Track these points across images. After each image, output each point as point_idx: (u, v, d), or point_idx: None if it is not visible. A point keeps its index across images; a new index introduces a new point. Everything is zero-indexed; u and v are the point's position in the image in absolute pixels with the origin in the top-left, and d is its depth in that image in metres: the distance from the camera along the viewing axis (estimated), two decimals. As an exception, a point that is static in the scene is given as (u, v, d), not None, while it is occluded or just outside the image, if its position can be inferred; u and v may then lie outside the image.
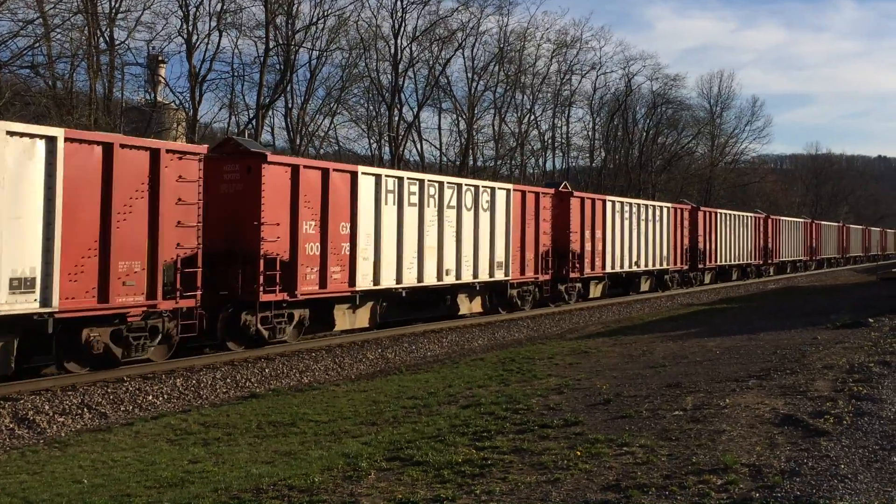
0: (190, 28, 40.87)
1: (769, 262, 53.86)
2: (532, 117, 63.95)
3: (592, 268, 30.98)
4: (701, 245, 41.64)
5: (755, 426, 9.26)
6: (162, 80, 42.81)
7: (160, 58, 42.19)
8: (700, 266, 41.74)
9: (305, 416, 11.99)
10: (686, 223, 40.09)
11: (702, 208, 43.28)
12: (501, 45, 59.38)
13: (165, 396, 14.02)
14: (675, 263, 38.70)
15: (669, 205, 39.14)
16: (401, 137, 52.77)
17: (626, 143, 74.32)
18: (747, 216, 50.18)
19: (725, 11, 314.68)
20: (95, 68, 34.36)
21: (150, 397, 13.83)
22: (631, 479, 7.50)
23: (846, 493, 6.85)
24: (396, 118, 52.96)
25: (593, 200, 31.40)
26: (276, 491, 7.67)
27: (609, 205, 32.42)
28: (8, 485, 8.81)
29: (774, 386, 11.60)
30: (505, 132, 61.26)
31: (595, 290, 32.20)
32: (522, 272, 26.45)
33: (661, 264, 36.99)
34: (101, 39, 35.94)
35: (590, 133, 71.66)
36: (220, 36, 42.80)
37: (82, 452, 10.37)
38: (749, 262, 49.83)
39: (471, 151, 57.93)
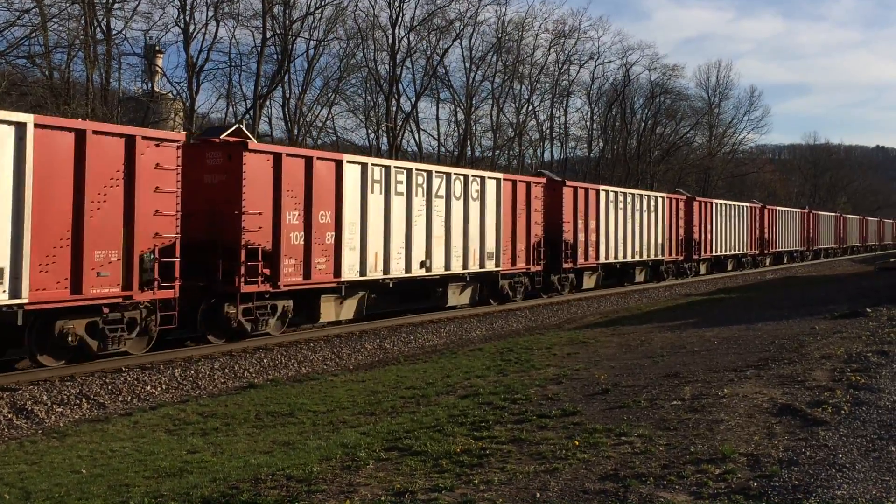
0: (187, 18, 40.84)
1: (766, 252, 53.77)
2: (530, 107, 63.97)
3: (586, 258, 30.71)
4: (696, 235, 41.55)
5: (753, 416, 9.26)
6: (159, 71, 42.73)
7: (157, 48, 42.11)
8: (695, 256, 41.71)
9: (304, 407, 11.99)
10: (681, 213, 39.90)
11: (697, 198, 43.10)
12: (499, 35, 59.34)
13: (164, 387, 14.02)
14: (671, 254, 38.55)
15: (664, 195, 38.97)
16: (399, 128, 52.71)
17: (624, 134, 74.32)
18: (743, 206, 50.07)
19: (723, 1, 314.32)
20: (92, 58, 34.26)
21: (149, 388, 13.83)
22: (629, 468, 7.51)
23: (844, 482, 6.85)
24: (394, 108, 52.92)
25: (586, 190, 31.12)
26: (274, 481, 7.67)
27: (603, 194, 32.16)
28: (6, 475, 8.81)
29: (772, 376, 11.60)
30: (503, 122, 61.27)
31: (589, 281, 31.95)
32: (514, 263, 26.08)
33: (656, 255, 36.81)
34: (98, 29, 35.86)
35: (588, 123, 71.72)
36: (218, 25, 42.83)
37: (81, 443, 10.37)
38: (745, 252, 49.75)
39: (469, 142, 57.91)
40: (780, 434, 8.46)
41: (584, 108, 73.71)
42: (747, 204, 51.68)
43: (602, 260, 32.01)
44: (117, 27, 36.93)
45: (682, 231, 39.89)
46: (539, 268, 27.55)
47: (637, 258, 35.13)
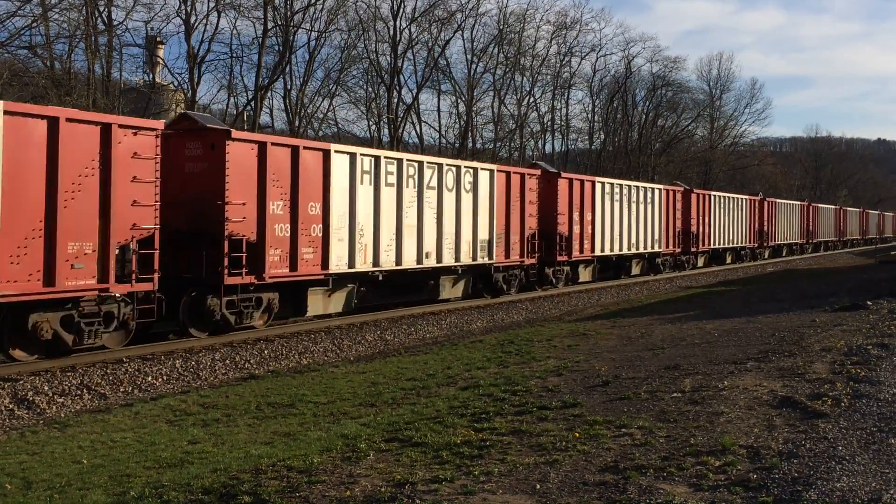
0: (188, 9, 40.77)
1: (765, 245, 53.63)
2: (531, 99, 63.92)
3: (581, 251, 30.41)
4: (694, 228, 41.25)
5: (753, 408, 9.28)
6: (160, 61, 42.70)
7: (158, 38, 42.08)
8: (693, 249, 41.45)
9: (304, 398, 12.01)
10: (679, 205, 39.66)
11: (695, 190, 42.78)
12: (501, 27, 59.24)
13: (165, 378, 14.04)
14: (668, 246, 38.33)
15: (661, 186, 38.79)
16: (400, 119, 52.65)
17: (625, 126, 74.28)
18: (742, 198, 49.91)
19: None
20: (93, 49, 34.25)
21: (150, 378, 13.85)
22: (629, 460, 7.52)
23: (843, 474, 6.86)
24: (395, 100, 52.88)
25: (582, 182, 30.79)
26: (274, 471, 7.68)
27: (599, 186, 31.80)
28: (7, 465, 8.83)
29: (773, 368, 11.61)
30: (504, 114, 61.22)
31: (584, 274, 31.67)
32: (507, 255, 25.71)
33: (652, 247, 36.59)
34: (100, 20, 35.86)
35: (589, 115, 71.69)
36: (219, 17, 42.75)
37: (82, 433, 10.39)
38: (744, 245, 49.57)
39: (470, 134, 57.86)
40: (780, 426, 8.47)
41: (585, 100, 73.77)
42: (747, 196, 51.49)
43: (598, 252, 31.71)
44: (119, 18, 37.16)
45: (679, 223, 39.67)
46: (533, 260, 27.27)
47: (633, 251, 34.90)
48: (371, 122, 54.77)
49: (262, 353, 16.19)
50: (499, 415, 9.70)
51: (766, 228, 53.25)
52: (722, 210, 45.38)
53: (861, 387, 10.03)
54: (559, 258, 28.94)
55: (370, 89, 54.33)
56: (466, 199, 23.62)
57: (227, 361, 15.35)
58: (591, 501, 6.57)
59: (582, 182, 30.76)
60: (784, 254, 58.65)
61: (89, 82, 33.55)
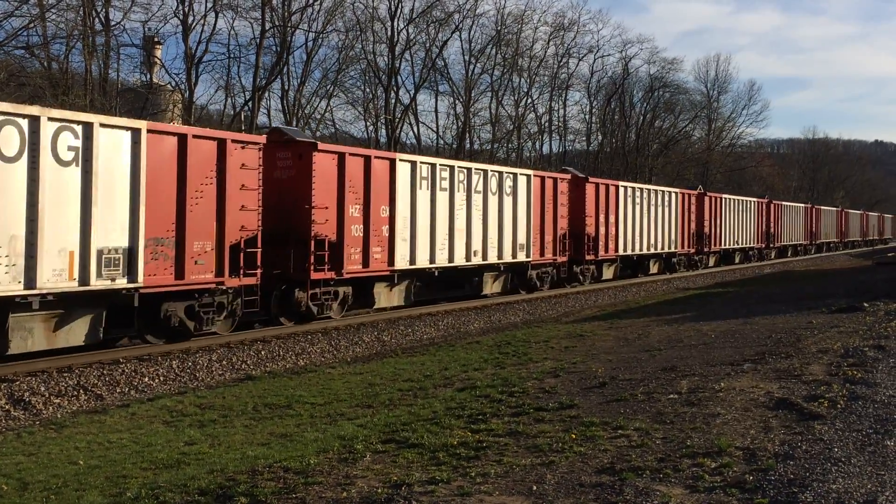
0: (186, 9, 40.71)
1: (771, 245, 54.74)
2: (529, 100, 63.90)
3: (606, 250, 32.37)
4: (707, 229, 42.78)
5: (750, 410, 9.28)
6: (158, 62, 42.60)
7: (156, 39, 42.00)
8: (706, 249, 42.90)
9: (301, 399, 12.01)
10: (693, 208, 41.30)
11: (708, 193, 44.25)
12: (499, 28, 59.22)
13: (161, 378, 14.03)
14: (683, 247, 40.05)
15: (677, 190, 40.34)
16: (397, 120, 52.63)
17: (622, 127, 74.29)
18: (751, 201, 51.33)
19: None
20: (91, 49, 34.19)
21: (146, 379, 13.84)
22: (626, 461, 7.53)
23: (839, 476, 6.87)
24: (393, 101, 52.84)
25: (607, 186, 32.75)
26: (271, 473, 7.68)
27: (622, 190, 33.78)
28: (4, 466, 8.82)
29: (769, 370, 11.62)
30: (502, 115, 61.18)
31: (608, 272, 33.50)
32: (542, 254, 27.73)
33: (669, 247, 38.46)
34: (97, 20, 35.78)
35: (587, 116, 71.65)
36: (217, 17, 42.67)
37: (78, 434, 10.38)
38: (752, 245, 50.89)
39: (467, 134, 57.85)
40: (777, 428, 8.48)
41: (582, 101, 73.56)
42: (755, 199, 52.89)
43: (620, 252, 33.63)
44: (116, 18, 36.88)
45: (693, 225, 41.40)
46: (564, 259, 29.37)
47: (652, 251, 36.73)
48: (368, 123, 54.80)
49: (259, 353, 16.19)
50: (495, 416, 9.70)
51: (772, 230, 54.46)
52: (732, 212, 46.74)
53: (857, 388, 10.04)
54: (587, 257, 31.10)
55: (368, 90, 54.36)
56: (507, 201, 25.60)
57: (224, 362, 15.34)
58: (588, 503, 6.57)
59: (607, 186, 32.81)
60: (789, 254, 59.68)
61: (86, 82, 33.50)
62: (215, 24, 43.20)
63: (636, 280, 35.16)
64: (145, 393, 13.23)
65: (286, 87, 47.56)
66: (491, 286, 25.70)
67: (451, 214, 22.94)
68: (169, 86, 42.57)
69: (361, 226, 19.84)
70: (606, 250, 32.41)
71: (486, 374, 13.30)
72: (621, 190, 33.74)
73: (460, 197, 23.31)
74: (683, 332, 17.46)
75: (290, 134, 19.60)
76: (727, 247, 46.43)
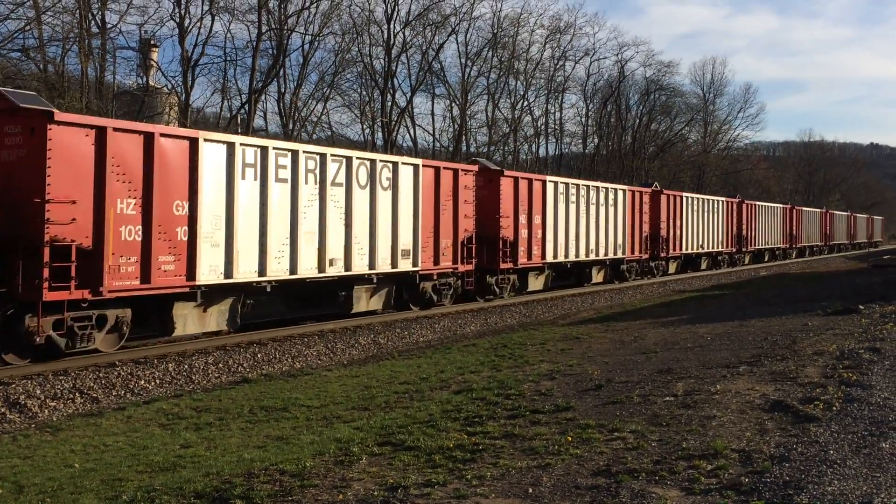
0: (182, 12, 40.68)
1: (744, 250, 51.37)
2: (525, 103, 63.96)
3: (529, 257, 27.71)
4: (664, 232, 38.98)
5: (745, 412, 9.30)
6: (154, 65, 42.58)
7: (152, 42, 41.96)
8: (663, 255, 39.24)
9: (297, 401, 12.01)
10: (646, 208, 37.36)
11: (665, 191, 40.17)
12: (495, 31, 59.28)
13: (157, 381, 14.02)
14: (633, 252, 36.05)
15: (626, 187, 36.52)
16: (394, 123, 52.65)
17: (619, 130, 74.39)
18: (719, 200, 47.47)
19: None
20: (87, 52, 34.19)
21: (142, 382, 13.83)
22: (621, 464, 7.54)
23: (835, 478, 6.88)
24: (389, 103, 52.85)
25: (530, 181, 28.06)
26: (267, 475, 7.68)
27: (550, 186, 29.15)
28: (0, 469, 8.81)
29: (765, 372, 11.64)
30: (498, 118, 61.26)
31: (535, 283, 29.01)
32: (436, 262, 23.12)
33: (615, 253, 34.17)
34: (93, 23, 35.78)
35: (583, 119, 71.74)
36: (213, 20, 42.63)
37: (74, 437, 10.37)
38: (720, 249, 47.17)
39: (464, 137, 57.92)
40: (772, 430, 8.49)
41: (579, 104, 73.93)
42: (723, 198, 48.85)
43: (549, 259, 28.99)
44: (112, 21, 36.88)
45: (647, 227, 37.44)
46: (469, 267, 24.64)
47: (593, 257, 32.31)
48: (365, 126, 54.82)
49: (256, 356, 16.18)
50: (492, 418, 9.71)
51: (745, 232, 50.84)
52: (696, 213, 42.96)
53: (853, 391, 10.06)
54: (503, 265, 26.27)
55: (364, 93, 54.36)
56: (384, 197, 21.13)
57: (220, 365, 15.33)
58: (584, 505, 6.58)
59: (530, 181, 28.06)
60: (766, 259, 56.54)
61: (82, 85, 33.50)
62: (212, 27, 43.15)
63: (580, 290, 31.35)
64: (141, 396, 13.22)
65: (282, 90, 47.61)
66: (366, 302, 21.20)
67: (293, 213, 18.32)
68: (165, 89, 42.53)
69: (140, 227, 15.08)
70: (530, 257, 27.59)
71: (482, 376, 13.31)
72: (549, 186, 28.87)
73: (309, 190, 18.77)
74: (679, 334, 17.48)
75: (13, 99, 13.98)
76: (690, 251, 42.29)
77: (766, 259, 56.74)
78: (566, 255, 30.23)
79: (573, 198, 30.62)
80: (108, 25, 36.59)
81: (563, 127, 69.46)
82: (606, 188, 33.95)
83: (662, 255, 39.27)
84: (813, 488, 6.63)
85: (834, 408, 9.25)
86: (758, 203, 55.97)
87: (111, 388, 13.32)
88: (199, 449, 9.37)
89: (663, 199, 39.17)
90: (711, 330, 17.74)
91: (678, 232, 40.79)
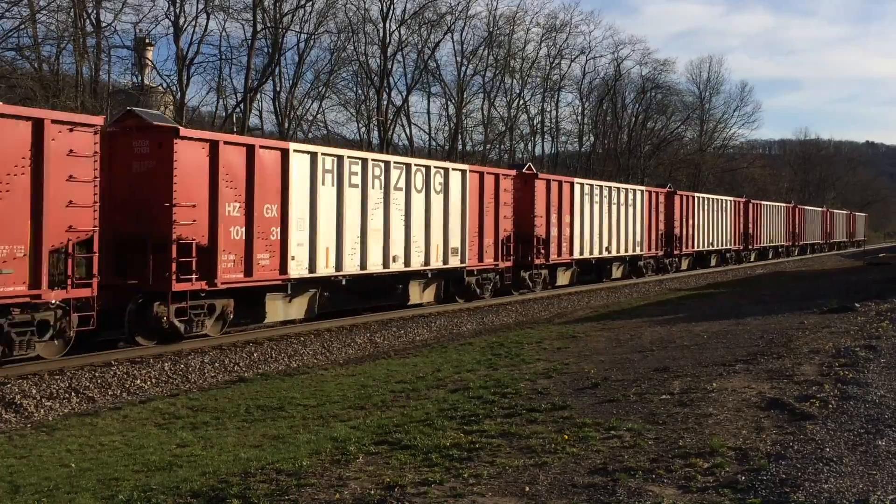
0: (177, 10, 40.60)
1: (750, 247, 53.00)
2: (521, 102, 63.88)
3: (559, 254, 29.69)
4: (677, 230, 40.59)
5: (742, 410, 9.31)
6: (149, 63, 42.55)
7: (147, 40, 41.95)
8: (676, 252, 40.84)
9: (294, 401, 11.99)
10: (662, 207, 39.05)
11: (678, 192, 41.99)
12: (491, 29, 59.23)
13: (153, 380, 14.00)
14: (650, 249, 37.60)
15: (643, 188, 38.11)
16: (389, 122, 52.62)
17: (615, 128, 74.34)
18: (727, 200, 49.23)
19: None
20: (82, 51, 34.10)
21: (139, 381, 13.80)
22: (618, 462, 7.54)
23: (831, 476, 6.89)
24: (385, 102, 52.79)
25: (560, 182, 30.12)
26: (264, 475, 7.67)
27: (578, 187, 31.14)
28: (-5, 469, 8.79)
29: (761, 370, 11.66)
30: (494, 116, 61.19)
31: (563, 278, 30.91)
32: (480, 259, 25.08)
33: (634, 250, 35.94)
34: (88, 22, 35.68)
35: (579, 118, 71.71)
36: (208, 18, 42.54)
37: (70, 436, 10.35)
38: (728, 247, 48.99)
39: (460, 136, 57.86)
40: (769, 428, 8.51)
41: (574, 102, 73.92)
42: (731, 198, 50.78)
43: (576, 256, 31.00)
44: (107, 20, 36.94)
45: (662, 225, 39.01)
46: (509, 263, 26.65)
47: (614, 253, 34.14)
48: (361, 125, 54.76)
49: (252, 355, 16.16)
50: (488, 417, 9.71)
51: (751, 230, 52.63)
52: (706, 212, 44.76)
53: (849, 388, 10.08)
54: (536, 261, 28.34)
55: (360, 91, 54.26)
56: (437, 200, 22.99)
57: (217, 364, 15.31)
58: (580, 503, 6.58)
59: (560, 183, 30.08)
60: (770, 256, 58.03)
61: (77, 84, 33.40)
62: (206, 26, 43.00)
63: (601, 285, 32.65)
64: (137, 395, 13.20)
65: (278, 89, 47.52)
66: (419, 295, 23.20)
67: (363, 214, 20.21)
68: (160, 87, 42.50)
69: (243, 227, 17.01)
70: (560, 253, 29.61)
71: (478, 375, 13.31)
72: (577, 187, 30.91)
73: (376, 194, 20.63)
74: (676, 332, 17.50)
75: (146, 117, 16.29)
76: (701, 249, 44.22)
77: (770, 256, 58.06)
78: (591, 252, 32.17)
79: (597, 198, 32.43)
80: (103, 24, 36.53)
81: (559, 125, 69.49)
82: (626, 189, 35.82)
83: (676, 252, 40.89)
84: (809, 486, 6.64)
85: (830, 406, 9.27)
86: (763, 202, 57.68)
87: (107, 388, 13.30)
88: (195, 448, 9.35)
89: (677, 199, 40.78)
90: (707, 328, 17.76)
91: (690, 230, 42.48)
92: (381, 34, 52.25)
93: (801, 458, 7.38)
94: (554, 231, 29.18)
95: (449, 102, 58.51)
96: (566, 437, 8.49)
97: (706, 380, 11.08)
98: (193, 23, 41.92)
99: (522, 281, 28.13)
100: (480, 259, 25.11)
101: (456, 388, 12.15)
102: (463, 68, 58.26)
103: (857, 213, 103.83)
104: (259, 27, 43.37)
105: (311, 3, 46.18)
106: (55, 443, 10.04)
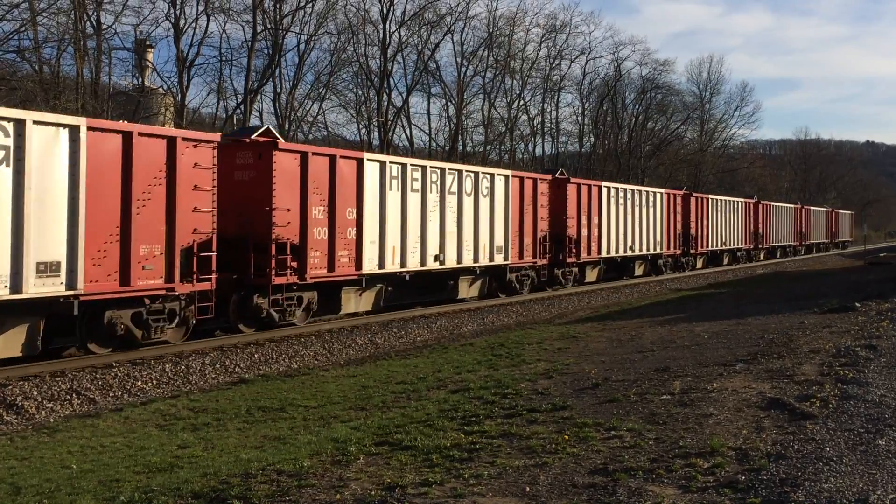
0: (177, 12, 40.72)
1: (759, 246, 54.21)
2: (521, 102, 64.00)
3: (588, 252, 31.61)
4: (693, 230, 42.12)
5: (742, 410, 9.31)
6: (149, 65, 42.58)
7: (147, 42, 41.98)
8: (692, 251, 42.35)
9: (295, 402, 12.00)
10: (679, 208, 40.59)
11: (694, 194, 43.62)
12: (490, 30, 59.34)
13: (155, 382, 14.01)
14: (669, 248, 39.26)
15: (662, 190, 39.65)
16: (390, 123, 52.65)
17: (615, 129, 74.42)
18: (738, 201, 50.68)
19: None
20: (82, 53, 34.15)
21: (140, 383, 13.81)
22: (618, 462, 7.55)
23: (831, 475, 6.90)
24: (385, 103, 52.88)
25: (589, 186, 31.95)
26: (265, 476, 7.68)
27: (605, 191, 33.04)
28: (-4, 470, 8.80)
29: (761, 370, 11.66)
30: (494, 117, 61.26)
31: (591, 275, 32.82)
32: (521, 257, 27.03)
33: (654, 249, 37.60)
34: (88, 24, 35.76)
35: (579, 118, 71.78)
36: (208, 20, 42.72)
37: (71, 438, 10.36)
38: (740, 246, 50.33)
39: (460, 137, 57.92)
40: (769, 428, 8.51)
41: (575, 103, 73.92)
42: (742, 199, 52.14)
43: (604, 254, 32.86)
44: (107, 22, 37.00)
45: (679, 226, 40.59)
46: (545, 261, 28.61)
47: (637, 252, 35.89)
48: (361, 126, 54.82)
49: (253, 357, 16.17)
50: (489, 418, 9.71)
51: (760, 230, 53.83)
52: (719, 213, 46.21)
53: (849, 388, 10.09)
54: (568, 259, 30.21)
55: (360, 92, 54.35)
56: (484, 203, 24.89)
57: (218, 366, 15.32)
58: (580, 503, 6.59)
59: (589, 187, 31.92)
60: (778, 255, 59.06)
61: (78, 86, 33.46)
62: (207, 28, 43.19)
63: (622, 282, 34.45)
64: (138, 397, 13.20)
65: (278, 90, 47.64)
66: (467, 290, 25.08)
67: (423, 216, 22.26)
68: (161, 89, 42.53)
69: (326, 228, 19.13)
70: (589, 252, 31.71)
71: (479, 375, 13.31)
72: (604, 190, 33.07)
73: (433, 198, 22.70)
74: (676, 332, 17.50)
75: (244, 134, 18.81)
76: (714, 248, 45.98)
77: (778, 255, 59.09)
78: (616, 251, 34.07)
79: (621, 200, 34.34)
80: (104, 26, 36.61)
81: (560, 126, 69.59)
82: (647, 191, 37.66)
83: (692, 251, 42.39)
84: (809, 486, 6.65)
85: (830, 405, 9.28)
86: (772, 203, 59.11)
87: (108, 390, 13.31)
88: (196, 449, 9.36)
89: (693, 200, 42.33)
90: (708, 328, 17.76)
91: (705, 230, 44.14)
92: (381, 35, 52.38)
93: (802, 458, 7.39)
94: (584, 231, 31.15)
95: (449, 103, 58.63)
96: (566, 437, 8.50)
97: (707, 380, 11.09)
98: (194, 25, 42.10)
99: (556, 278, 29.96)
100: (521, 257, 27.10)
101: (456, 388, 12.16)
102: (463, 69, 58.39)
103: (842, 212, 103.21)
104: (259, 29, 43.49)
105: (311, 4, 46.27)
106: (56, 444, 10.05)
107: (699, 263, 44.36)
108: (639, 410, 9.59)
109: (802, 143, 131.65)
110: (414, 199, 21.96)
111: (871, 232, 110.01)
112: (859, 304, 19.98)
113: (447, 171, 23.48)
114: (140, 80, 41.99)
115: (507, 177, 26.43)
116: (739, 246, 50.34)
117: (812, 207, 72.58)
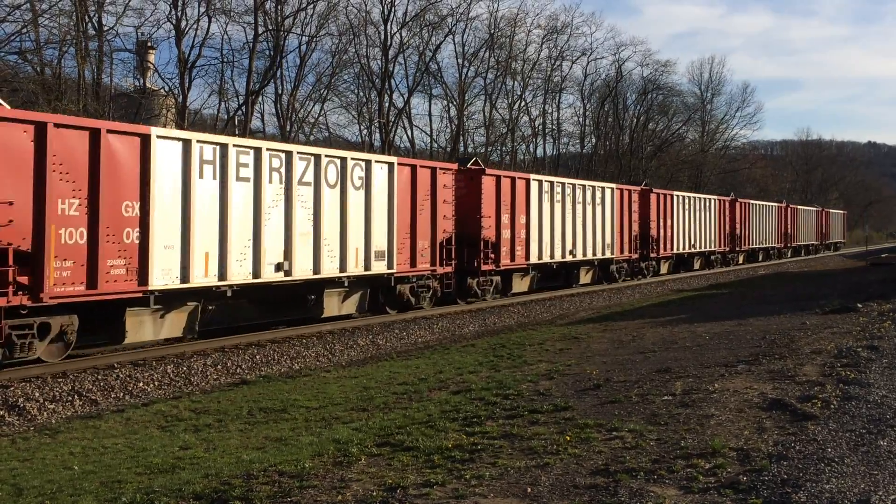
0: (179, 13, 40.70)
1: (737, 249, 50.19)
2: (522, 103, 63.98)
3: (512, 258, 26.78)
4: (654, 231, 38.02)
5: (743, 411, 9.31)
6: (151, 66, 42.59)
7: (149, 43, 41.99)
8: (653, 255, 38.28)
9: (296, 403, 12.01)
10: (636, 206, 36.27)
11: (654, 190, 39.10)
12: (492, 31, 59.33)
13: (156, 383, 14.02)
14: (622, 252, 34.94)
15: (614, 186, 35.29)
16: (391, 124, 52.66)
17: (616, 130, 74.42)
18: (711, 199, 46.25)
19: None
20: (84, 54, 34.16)
21: (141, 384, 13.83)
22: (620, 463, 7.55)
23: (833, 476, 6.90)
24: (387, 104, 52.86)
25: (513, 179, 26.99)
26: (266, 477, 7.69)
27: (534, 185, 28.06)
28: (-2, 472, 8.81)
29: (763, 371, 11.66)
30: (495, 118, 61.27)
31: (520, 284, 28.10)
32: (413, 264, 22.22)
33: (604, 253, 33.13)
34: (90, 25, 35.75)
35: (580, 119, 71.78)
36: (210, 21, 42.65)
37: (73, 439, 10.37)
38: (713, 249, 46.09)
39: (461, 138, 57.94)
40: (770, 429, 8.51)
41: (576, 104, 73.73)
42: (716, 197, 47.70)
43: (534, 260, 28.01)
44: (109, 23, 36.95)
45: (636, 226, 36.33)
46: (449, 269, 23.86)
47: (580, 257, 31.31)
48: (362, 127, 54.84)
49: (254, 358, 16.18)
50: (490, 419, 9.71)
51: (738, 231, 49.73)
52: (687, 212, 41.88)
53: (851, 389, 10.08)
54: (484, 267, 25.37)
55: (361, 94, 54.37)
56: (356, 197, 20.22)
57: (219, 367, 15.33)
58: (582, 504, 6.58)
59: (513, 179, 27.00)
60: (760, 259, 55.33)
61: (79, 87, 33.48)
62: (208, 29, 43.08)
63: (567, 291, 30.44)
64: (140, 398, 13.22)
65: (280, 92, 47.62)
66: (338, 306, 20.11)
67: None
68: (162, 90, 42.54)
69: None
70: (513, 258, 26.68)
71: (480, 376, 13.32)
72: (533, 184, 27.83)
73: (273, 190, 17.71)
74: (678, 333, 17.50)
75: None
76: (681, 251, 41.22)
77: (759, 259, 55.64)
78: (552, 256, 29.23)
79: (558, 196, 29.60)
80: (105, 27, 36.61)
81: (561, 127, 69.59)
82: (593, 186, 32.83)
83: (653, 255, 38.35)
84: (811, 486, 6.65)
85: (832, 406, 9.28)
86: (751, 201, 54.73)
87: (110, 391, 13.33)
88: (197, 450, 9.37)
89: (653, 197, 38.19)
90: (709, 329, 17.76)
91: (669, 231, 39.81)
92: (383, 36, 52.36)
93: (803, 459, 7.39)
94: (506, 233, 26.36)
95: (450, 104, 58.66)
96: (568, 438, 8.50)
97: (708, 380, 11.08)
98: (195, 26, 42.06)
99: (469, 289, 25.33)
100: (413, 264, 22.28)
101: (458, 389, 12.16)
102: (464, 70, 58.42)
103: (834, 211, 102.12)
104: (260, 30, 43.48)
105: (312, 5, 46.29)
106: (58, 445, 10.06)
107: (663, 268, 40.15)
108: (640, 411, 9.59)
109: (804, 144, 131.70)
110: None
111: (872, 233, 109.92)
112: (861, 305, 19.97)
113: (297, 155, 18.58)
114: (141, 81, 42.01)
115: (390, 164, 21.47)
116: (713, 248, 45.71)
117: (799, 207, 68.44)
